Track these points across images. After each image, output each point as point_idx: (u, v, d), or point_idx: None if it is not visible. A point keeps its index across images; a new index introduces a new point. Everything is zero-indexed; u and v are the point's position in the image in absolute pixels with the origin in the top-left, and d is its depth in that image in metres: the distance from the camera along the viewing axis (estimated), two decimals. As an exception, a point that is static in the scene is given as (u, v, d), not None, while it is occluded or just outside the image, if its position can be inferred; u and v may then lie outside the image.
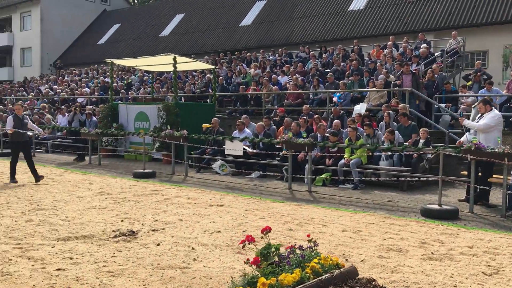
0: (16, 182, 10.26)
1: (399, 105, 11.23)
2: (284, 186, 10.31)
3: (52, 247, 5.41)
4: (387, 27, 21.62)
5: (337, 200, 8.83)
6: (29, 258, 5.00)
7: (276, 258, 3.52)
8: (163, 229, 6.31)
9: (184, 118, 14.17)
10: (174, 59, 14.16)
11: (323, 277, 3.28)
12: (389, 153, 10.04)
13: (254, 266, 3.43)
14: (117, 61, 16.45)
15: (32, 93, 26.31)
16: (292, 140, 9.60)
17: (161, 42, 32.37)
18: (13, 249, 5.32)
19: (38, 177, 10.41)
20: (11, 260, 4.93)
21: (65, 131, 16.84)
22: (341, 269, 3.45)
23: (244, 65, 21.25)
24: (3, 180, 10.62)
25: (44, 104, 20.67)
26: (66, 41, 39.52)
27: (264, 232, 3.78)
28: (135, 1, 53.38)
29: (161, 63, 15.36)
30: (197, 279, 4.40)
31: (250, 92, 16.33)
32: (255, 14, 28.80)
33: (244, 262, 3.53)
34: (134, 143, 15.48)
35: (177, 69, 14.70)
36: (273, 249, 3.62)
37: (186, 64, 15.52)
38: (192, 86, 19.86)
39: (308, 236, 3.90)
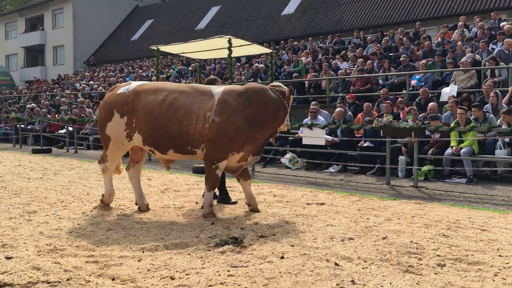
0: (235, 202, 6.54)
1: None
2: (378, 181, 8.66)
3: (139, 261, 3.91)
4: (451, 7, 19.66)
5: (461, 197, 7.14)
6: (113, 278, 3.51)
7: None
8: (274, 235, 4.74)
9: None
10: (229, 41, 12.63)
11: None
12: (507, 139, 8.30)
13: None
14: (163, 48, 14.96)
15: (67, 90, 25.32)
16: (393, 125, 7.93)
17: (198, 36, 30.95)
18: (86, 263, 3.84)
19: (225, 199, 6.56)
20: (89, 282, 3.45)
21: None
22: None
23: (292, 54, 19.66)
24: (49, 176, 9.24)
25: (83, 99, 19.54)
26: (99, 38, 38.58)
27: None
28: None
29: (213, 47, 13.84)
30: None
31: (311, 78, 14.67)
32: (298, 2, 27.10)
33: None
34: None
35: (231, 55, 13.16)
36: None
37: (240, 49, 13.96)
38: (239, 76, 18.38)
39: None
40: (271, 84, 5.79)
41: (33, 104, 21.43)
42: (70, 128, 15.79)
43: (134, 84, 5.71)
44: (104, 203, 6.02)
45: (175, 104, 5.39)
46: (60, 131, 16.99)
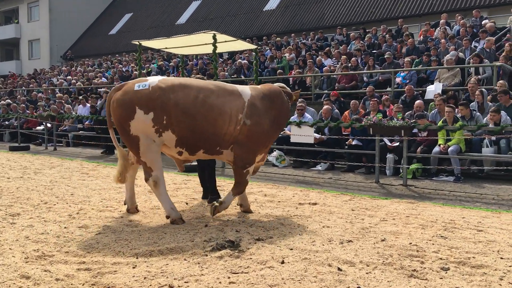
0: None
1: (498, 82, 9.49)
2: (367, 179, 8.63)
3: (134, 268, 3.74)
4: (433, 5, 19.85)
5: (451, 195, 7.15)
6: (109, 288, 3.34)
7: None
8: (270, 237, 4.62)
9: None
10: (214, 37, 12.40)
11: None
12: (493, 138, 8.35)
13: None
14: (145, 43, 14.62)
15: (44, 85, 24.68)
16: (383, 123, 7.90)
17: (178, 31, 30.57)
18: (77, 271, 3.66)
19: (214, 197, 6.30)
20: (84, 291, 3.27)
21: (87, 122, 15.23)
22: None
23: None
24: (29, 175, 8.93)
25: (61, 95, 19.06)
26: (76, 32, 37.79)
27: None
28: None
29: (197, 43, 13.59)
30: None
31: (296, 75, 14.59)
32: (280, -3, 27.01)
33: None
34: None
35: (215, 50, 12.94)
36: None
37: (225, 44, 13.75)
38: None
39: None
40: (277, 85, 5.83)
41: (8, 100, 20.82)
42: (49, 125, 15.37)
43: (154, 79, 5.13)
44: (177, 222, 5.16)
45: (208, 103, 5.06)
46: (38, 128, 16.51)
